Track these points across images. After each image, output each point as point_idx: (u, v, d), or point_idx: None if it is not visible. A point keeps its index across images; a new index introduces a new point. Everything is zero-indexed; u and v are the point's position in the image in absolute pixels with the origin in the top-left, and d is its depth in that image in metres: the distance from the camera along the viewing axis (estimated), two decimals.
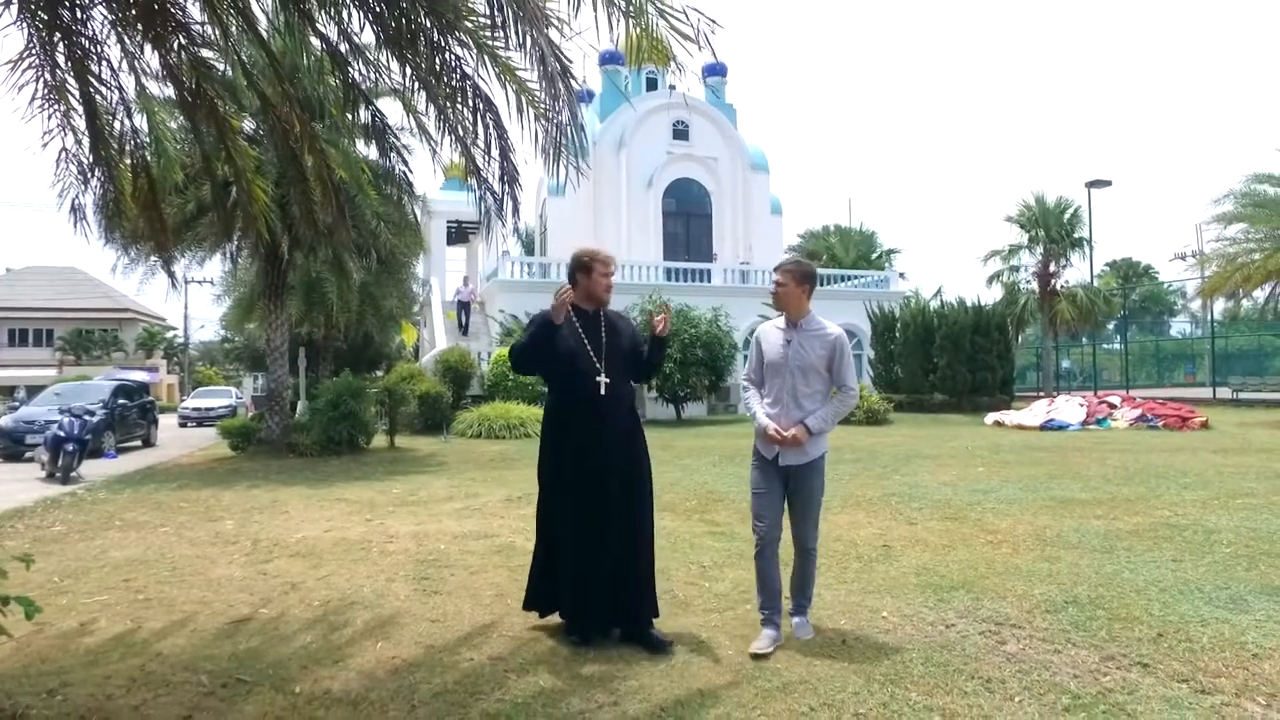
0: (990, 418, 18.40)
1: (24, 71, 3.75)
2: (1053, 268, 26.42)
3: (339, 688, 3.16)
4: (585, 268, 3.82)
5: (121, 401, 16.63)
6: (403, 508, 7.68)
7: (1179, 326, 42.75)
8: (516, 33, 2.47)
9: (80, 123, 4.16)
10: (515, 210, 3.44)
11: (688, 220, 29.69)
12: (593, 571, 3.62)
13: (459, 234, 32.54)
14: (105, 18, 3.76)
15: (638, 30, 2.47)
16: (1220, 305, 23.81)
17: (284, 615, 4.23)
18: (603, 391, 3.68)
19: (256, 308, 16.29)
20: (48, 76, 3.82)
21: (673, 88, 26.90)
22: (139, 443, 17.59)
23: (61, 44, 3.68)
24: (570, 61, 2.60)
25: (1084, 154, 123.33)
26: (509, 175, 3.30)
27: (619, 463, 3.68)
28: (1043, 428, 16.30)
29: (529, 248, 34.26)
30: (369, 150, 11.07)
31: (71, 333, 46.20)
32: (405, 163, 4.05)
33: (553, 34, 2.96)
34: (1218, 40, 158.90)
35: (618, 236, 27.89)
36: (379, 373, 25.18)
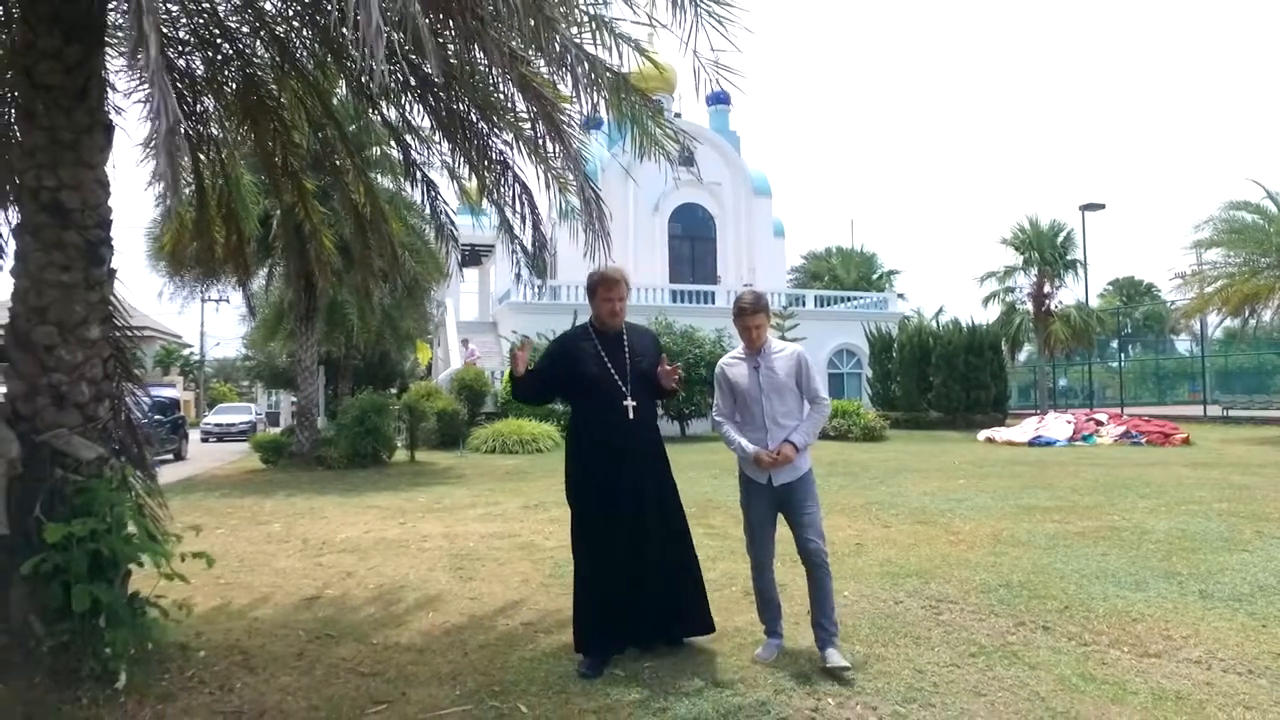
0: (982, 434, 19.14)
1: (149, 150, 4.67)
2: (1047, 289, 27.24)
3: (405, 641, 4.01)
4: (590, 291, 3.79)
5: (156, 417, 17.59)
6: (431, 513, 8.52)
7: (1183, 345, 43.48)
8: (550, 144, 3.38)
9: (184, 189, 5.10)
10: (545, 270, 4.34)
11: (693, 244, 30.69)
12: (628, 596, 3.59)
13: (471, 256, 33.60)
14: (215, 105, 4.71)
15: (644, 137, 3.42)
16: (1213, 323, 24.56)
17: (346, 595, 5.08)
18: (631, 416, 3.67)
19: (281, 327, 17.28)
20: None
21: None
22: (170, 456, 18.54)
23: (181, 128, 4.60)
24: (601, 197, 3.58)
25: (1090, 173, 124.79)
26: (539, 243, 4.19)
27: (650, 481, 3.72)
28: (1031, 444, 17.04)
29: (539, 270, 35.22)
30: (402, 184, 11.99)
31: None
32: (453, 223, 4.94)
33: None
34: (1225, 62, 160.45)
35: (625, 259, 28.82)
36: (393, 390, 26.10)
